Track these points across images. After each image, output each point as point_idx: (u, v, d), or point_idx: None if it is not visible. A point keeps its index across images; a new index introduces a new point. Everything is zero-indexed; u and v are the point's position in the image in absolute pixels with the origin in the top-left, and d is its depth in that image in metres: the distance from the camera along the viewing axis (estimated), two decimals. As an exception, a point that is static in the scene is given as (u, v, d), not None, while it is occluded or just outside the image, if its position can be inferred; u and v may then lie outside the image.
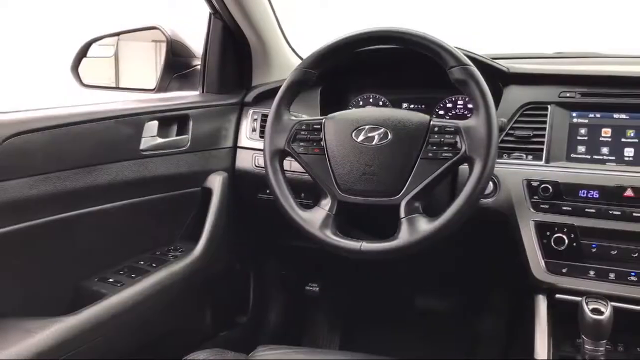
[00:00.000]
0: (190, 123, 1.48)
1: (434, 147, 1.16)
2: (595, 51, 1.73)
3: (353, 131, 1.22)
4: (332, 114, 1.28)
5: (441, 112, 1.55)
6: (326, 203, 1.22)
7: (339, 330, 1.98)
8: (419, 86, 1.58)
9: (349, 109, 1.62)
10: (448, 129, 1.16)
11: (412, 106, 1.59)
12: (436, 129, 1.17)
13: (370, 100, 1.63)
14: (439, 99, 1.56)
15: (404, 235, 1.14)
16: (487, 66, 1.38)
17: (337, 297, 2.01)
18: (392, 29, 1.20)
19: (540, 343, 1.22)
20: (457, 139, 1.14)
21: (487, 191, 1.31)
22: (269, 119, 1.28)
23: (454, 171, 1.32)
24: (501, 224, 1.30)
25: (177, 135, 1.47)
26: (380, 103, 1.62)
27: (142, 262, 1.39)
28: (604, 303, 1.10)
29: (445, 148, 1.15)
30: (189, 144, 1.47)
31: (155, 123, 1.41)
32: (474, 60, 1.31)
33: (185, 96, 1.59)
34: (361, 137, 1.21)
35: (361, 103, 1.64)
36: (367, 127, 1.21)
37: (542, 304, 1.26)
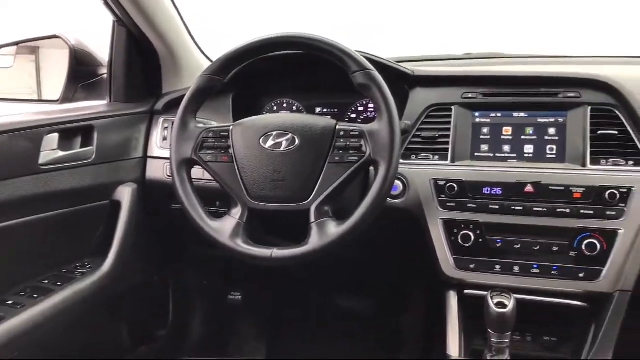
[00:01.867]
0: (95, 134, 1.43)
1: (341, 152, 1.17)
2: (503, 52, 1.80)
3: (261, 137, 1.21)
4: (240, 121, 1.26)
5: (353, 116, 1.57)
6: (237, 212, 1.21)
7: (264, 337, 1.97)
8: (332, 90, 1.59)
9: (264, 114, 1.61)
10: (353, 133, 1.17)
11: (325, 110, 1.60)
12: (342, 133, 1.18)
13: (285, 105, 1.62)
14: (351, 103, 1.57)
15: (314, 240, 1.14)
16: (392, 69, 1.41)
17: (260, 305, 1.99)
18: (294, 35, 1.19)
19: (452, 338, 1.26)
20: (362, 142, 1.16)
21: (397, 192, 1.34)
22: (174, 128, 1.25)
23: (366, 173, 1.33)
24: (412, 223, 1.32)
25: (82, 147, 1.41)
26: (295, 108, 1.62)
27: (45, 282, 1.33)
28: (508, 296, 1.14)
29: (351, 152, 1.16)
30: (94, 156, 1.42)
31: (56, 136, 1.34)
32: (379, 64, 1.34)
33: (90, 106, 1.52)
34: (269, 144, 1.20)
35: (275, 108, 1.63)
36: (274, 133, 1.20)
37: (452, 300, 1.30)
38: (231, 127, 1.24)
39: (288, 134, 1.19)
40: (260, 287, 1.95)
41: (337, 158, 1.17)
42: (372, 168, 1.18)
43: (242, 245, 1.17)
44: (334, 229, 1.14)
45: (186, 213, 1.21)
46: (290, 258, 1.14)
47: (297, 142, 1.18)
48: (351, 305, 1.94)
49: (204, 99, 1.27)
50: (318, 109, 1.60)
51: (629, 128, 1.26)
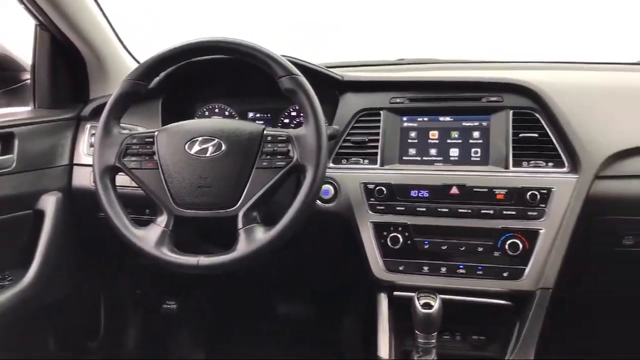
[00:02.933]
0: (16, 141, 1.37)
1: (268, 157, 1.17)
2: (435, 57, 1.83)
3: (186, 143, 1.19)
4: (165, 126, 1.24)
5: (286, 121, 1.57)
6: (162, 219, 1.18)
7: (201, 346, 1.93)
8: (265, 95, 1.57)
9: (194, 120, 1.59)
10: (280, 138, 1.17)
11: (258, 115, 1.59)
12: (269, 138, 1.18)
13: (217, 110, 1.61)
14: (284, 108, 1.57)
15: (242, 246, 1.13)
16: (321, 75, 1.42)
17: (197, 313, 1.96)
18: (219, 40, 1.18)
19: (382, 339, 1.27)
20: (290, 147, 1.16)
21: (328, 196, 1.34)
22: (97, 134, 1.22)
23: (298, 177, 1.33)
24: (343, 226, 1.33)
25: (1, 155, 1.35)
26: (227, 113, 1.60)
27: None
28: (434, 297, 1.16)
29: (279, 157, 1.16)
30: (14, 164, 1.36)
31: (-29, 144, 1.29)
32: (308, 69, 1.35)
33: (10, 113, 1.47)
34: (195, 149, 1.18)
35: (207, 114, 1.61)
36: (200, 138, 1.19)
37: (383, 302, 1.31)
38: (156, 133, 1.22)
39: (214, 140, 1.18)
40: (197, 294, 1.92)
41: (264, 163, 1.16)
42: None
43: (167, 254, 1.15)
44: (261, 235, 1.14)
45: (109, 221, 1.18)
46: (217, 266, 1.13)
47: (223, 147, 1.17)
48: (290, 309, 1.93)
49: (128, 104, 1.24)
50: (251, 114, 1.59)
51: (548, 131, 1.30)
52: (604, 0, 2.19)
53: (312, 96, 1.16)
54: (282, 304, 1.92)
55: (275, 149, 1.16)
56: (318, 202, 1.34)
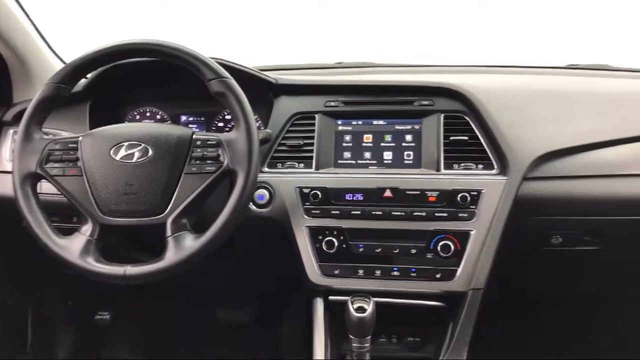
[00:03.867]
0: None
1: (197, 162, 1.14)
2: (373, 61, 1.84)
3: (112, 149, 1.15)
4: (89, 131, 1.20)
5: (220, 124, 1.54)
6: (87, 228, 1.14)
7: (139, 356, 1.88)
8: (198, 98, 1.54)
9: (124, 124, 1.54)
10: (210, 142, 1.15)
11: (191, 119, 1.56)
12: (199, 142, 1.15)
13: (148, 114, 1.56)
14: (218, 111, 1.54)
15: (170, 255, 1.10)
16: (254, 78, 1.40)
17: (132, 322, 1.90)
18: (145, 42, 1.15)
19: (318, 344, 1.26)
20: (220, 152, 1.14)
21: (263, 201, 1.33)
22: (17, 140, 1.17)
23: (230, 183, 1.31)
24: (279, 231, 1.32)
25: None
26: (158, 117, 1.56)
27: None
28: (368, 301, 1.16)
29: (209, 162, 1.14)
30: None
31: None
32: (239, 72, 1.33)
33: None
34: (120, 155, 1.14)
35: (138, 117, 1.56)
36: (126, 143, 1.15)
37: (319, 307, 1.30)
38: (80, 138, 1.18)
39: (140, 145, 1.15)
40: (131, 304, 1.86)
41: (194, 169, 1.14)
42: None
43: (92, 264, 1.11)
44: (191, 242, 1.11)
45: (31, 231, 1.13)
46: (145, 275, 1.10)
47: (150, 152, 1.14)
48: (229, 315, 1.90)
49: (50, 108, 1.19)
50: (183, 118, 1.56)
51: (478, 134, 1.33)
52: (533, 5, 2.26)
53: (242, 99, 1.14)
54: (221, 310, 1.89)
55: (205, 153, 1.14)
56: (253, 207, 1.32)
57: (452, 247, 1.25)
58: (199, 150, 1.14)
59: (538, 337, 1.68)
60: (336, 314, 1.28)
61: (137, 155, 1.14)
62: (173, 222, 1.12)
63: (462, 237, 1.25)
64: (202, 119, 1.56)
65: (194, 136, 1.16)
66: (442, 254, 1.25)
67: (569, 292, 1.59)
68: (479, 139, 1.33)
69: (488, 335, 1.34)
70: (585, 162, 1.34)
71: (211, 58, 1.19)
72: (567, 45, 2.11)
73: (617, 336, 1.72)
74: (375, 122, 1.38)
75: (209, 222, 1.12)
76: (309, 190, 1.31)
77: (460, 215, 1.26)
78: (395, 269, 1.27)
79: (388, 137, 1.37)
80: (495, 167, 1.30)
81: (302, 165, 1.36)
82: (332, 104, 1.39)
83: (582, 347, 1.73)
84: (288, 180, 1.33)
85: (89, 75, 1.40)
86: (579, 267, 1.48)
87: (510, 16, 2.25)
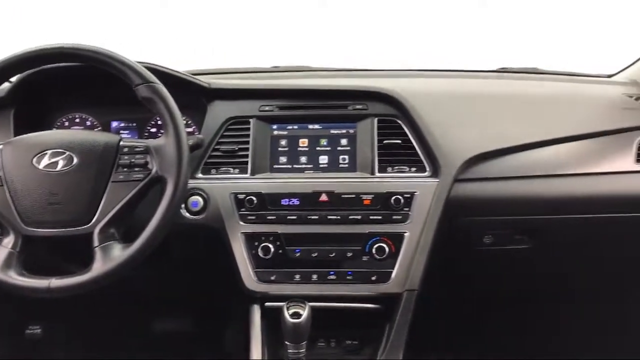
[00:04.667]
0: None
1: (125, 169, 1.12)
2: (310, 65, 1.84)
3: (34, 157, 1.11)
4: (10, 139, 1.15)
5: (153, 130, 1.51)
6: (9, 240, 1.10)
7: None
8: (130, 103, 1.50)
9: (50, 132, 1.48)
10: (138, 149, 1.12)
11: (122, 125, 1.52)
12: (126, 149, 1.13)
13: (77, 120, 1.51)
14: (151, 116, 1.51)
15: (98, 266, 1.07)
16: (186, 82, 1.38)
17: (66, 336, 1.83)
18: (68, 46, 1.12)
19: (255, 352, 1.25)
20: (148, 159, 1.11)
21: (197, 208, 1.30)
22: None
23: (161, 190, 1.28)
24: (214, 239, 1.30)
25: None
26: (88, 123, 1.51)
27: None
28: (303, 306, 1.16)
29: (137, 169, 1.11)
30: None
31: None
32: (169, 76, 1.30)
33: None
34: (43, 163, 1.10)
35: (66, 124, 1.51)
36: (49, 151, 1.11)
37: (256, 314, 1.29)
38: (0, 147, 1.13)
39: (65, 153, 1.11)
40: (63, 316, 1.79)
41: (121, 176, 1.11)
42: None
43: (14, 277, 1.06)
44: (119, 252, 1.08)
45: None
46: (71, 288, 1.06)
47: (75, 160, 1.10)
48: (169, 324, 1.86)
49: None
50: (114, 124, 1.52)
51: (410, 137, 1.35)
52: (466, 9, 2.32)
53: (171, 105, 1.12)
54: (158, 320, 1.84)
55: (133, 160, 1.11)
56: (187, 214, 1.30)
57: (387, 249, 1.26)
58: (126, 157, 1.12)
59: (474, 336, 1.72)
60: (273, 321, 1.27)
61: (61, 163, 1.10)
62: (100, 232, 1.09)
63: (397, 239, 1.27)
64: (134, 124, 1.52)
65: (121, 143, 1.13)
66: (377, 256, 1.26)
67: (502, 291, 1.64)
68: (411, 143, 1.35)
69: (425, 335, 1.36)
70: (515, 163, 1.38)
71: (139, 62, 1.16)
72: (500, 49, 2.18)
73: (550, 334, 1.78)
74: (310, 127, 1.39)
75: (140, 231, 1.09)
76: (244, 196, 1.29)
77: (394, 217, 1.27)
78: (331, 273, 1.27)
79: (323, 142, 1.37)
80: (428, 169, 1.32)
81: (237, 170, 1.34)
82: (267, 108, 1.39)
83: (518, 345, 1.78)
84: (223, 186, 1.32)
85: (13, 79, 1.35)
86: (511, 265, 1.53)
87: (442, 20, 2.30)
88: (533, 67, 1.81)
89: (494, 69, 1.82)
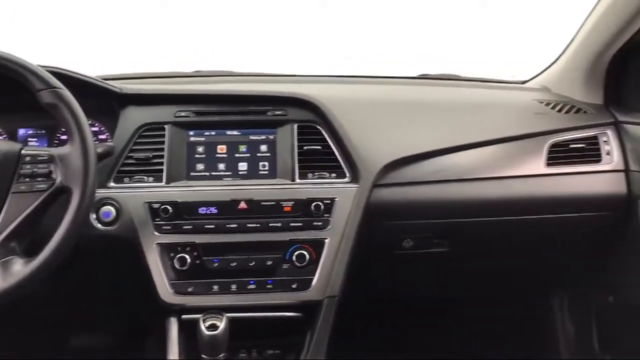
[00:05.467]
0: None
1: (27, 179, 1.05)
2: (232, 70, 1.81)
3: None
4: None
5: (64, 137, 1.43)
6: None
7: None
8: (38, 110, 1.43)
9: None
10: (41, 158, 1.06)
11: (30, 132, 1.43)
12: (28, 158, 1.06)
13: None
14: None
15: None
16: (94, 87, 1.32)
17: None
18: None
19: None
20: (52, 168, 1.05)
21: (109, 218, 1.25)
22: None
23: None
24: (128, 250, 1.25)
25: None
26: None
27: None
28: (220, 317, 1.13)
29: (40, 179, 1.05)
30: None
31: None
32: (77, 81, 1.24)
33: None
34: None
35: None
36: None
37: (173, 327, 1.24)
38: None
39: None
40: None
41: (22, 187, 1.05)
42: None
43: None
44: (20, 267, 1.02)
45: None
46: None
47: None
48: (84, 340, 1.77)
49: None
50: (22, 132, 1.43)
51: (330, 143, 1.35)
52: (388, 17, 2.37)
53: (76, 111, 1.07)
54: (76, 336, 1.76)
55: (35, 170, 1.05)
56: (98, 225, 1.24)
57: (308, 256, 1.25)
58: (28, 167, 1.05)
59: (395, 339, 1.74)
60: (191, 334, 1.23)
61: None
62: (0, 247, 1.02)
63: (317, 246, 1.26)
64: (44, 132, 1.43)
65: (22, 151, 1.07)
66: (297, 263, 1.25)
67: (423, 294, 1.66)
68: (331, 148, 1.34)
69: (348, 341, 1.35)
70: (433, 168, 1.40)
71: (43, 66, 1.10)
72: (421, 57, 2.23)
73: (470, 334, 1.82)
74: (229, 133, 1.36)
75: (44, 244, 1.03)
76: (159, 205, 1.25)
77: (314, 224, 1.27)
78: (251, 282, 1.25)
79: (242, 148, 1.35)
80: (347, 175, 1.32)
81: (151, 179, 1.29)
82: (183, 114, 1.35)
83: (439, 345, 1.81)
84: (136, 195, 1.27)
85: None
86: (431, 269, 1.55)
87: (367, 27, 2.34)
88: (452, 74, 1.85)
89: (414, 75, 1.85)
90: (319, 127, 1.36)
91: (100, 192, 1.25)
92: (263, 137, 1.35)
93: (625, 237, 1.47)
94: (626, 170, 1.46)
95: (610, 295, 1.61)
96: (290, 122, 1.36)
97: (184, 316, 1.23)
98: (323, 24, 2.38)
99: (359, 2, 2.44)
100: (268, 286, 1.25)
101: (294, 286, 1.25)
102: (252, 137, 1.35)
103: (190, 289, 1.23)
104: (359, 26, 2.41)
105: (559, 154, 1.45)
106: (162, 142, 1.32)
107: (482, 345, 1.81)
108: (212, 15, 2.47)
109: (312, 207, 1.26)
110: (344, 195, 1.29)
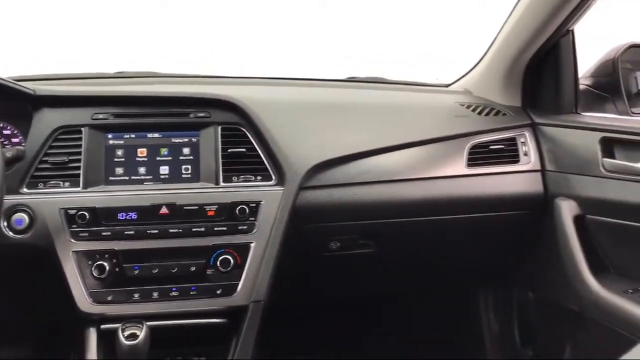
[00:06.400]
0: None
1: None
2: (157, 71, 1.76)
3: None
4: None
5: None
6: None
7: None
8: None
9: None
10: None
11: None
12: None
13: None
14: None
15: None
16: (6, 88, 1.25)
17: None
18: None
19: None
20: None
21: (22, 226, 1.19)
22: None
23: None
24: (43, 259, 1.19)
25: None
26: None
27: None
28: (140, 326, 1.09)
29: None
30: None
31: None
32: None
33: None
34: None
35: None
36: None
37: (91, 337, 1.20)
38: None
39: None
40: None
41: None
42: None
43: None
44: None
45: None
46: None
47: None
48: (8, 351, 1.67)
49: None
50: None
51: (256, 145, 1.33)
52: (316, 20, 2.38)
53: None
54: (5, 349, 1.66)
55: None
56: (10, 233, 1.18)
57: (232, 261, 1.23)
58: None
59: (322, 340, 1.74)
60: (111, 344, 1.19)
61: None
62: None
63: (242, 250, 1.24)
64: None
65: None
66: (222, 269, 1.23)
67: (350, 294, 1.67)
68: (256, 151, 1.33)
69: (277, 344, 1.34)
70: (359, 169, 1.41)
71: None
72: (348, 60, 2.25)
73: (398, 332, 1.85)
74: (150, 135, 1.32)
75: None
76: (76, 211, 1.20)
77: (240, 228, 1.25)
78: (174, 289, 1.22)
79: (164, 151, 1.31)
80: (273, 178, 1.31)
81: (67, 184, 1.24)
82: (101, 116, 1.29)
83: (366, 344, 1.83)
84: (51, 201, 1.21)
85: None
86: (358, 269, 1.57)
87: (295, 30, 2.34)
88: (379, 77, 1.87)
89: (342, 78, 1.86)
90: (243, 129, 1.34)
91: (12, 199, 1.19)
92: (186, 139, 1.32)
93: (542, 234, 1.53)
94: (542, 170, 1.53)
95: (530, 292, 1.67)
96: (213, 125, 1.33)
97: (103, 326, 1.19)
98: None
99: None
100: (192, 292, 1.22)
101: (218, 292, 1.23)
102: (174, 140, 1.32)
103: (109, 298, 1.19)
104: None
105: (479, 155, 1.49)
106: (79, 146, 1.27)
107: (411, 343, 1.84)
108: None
109: (237, 211, 1.25)
110: (269, 198, 1.28)
